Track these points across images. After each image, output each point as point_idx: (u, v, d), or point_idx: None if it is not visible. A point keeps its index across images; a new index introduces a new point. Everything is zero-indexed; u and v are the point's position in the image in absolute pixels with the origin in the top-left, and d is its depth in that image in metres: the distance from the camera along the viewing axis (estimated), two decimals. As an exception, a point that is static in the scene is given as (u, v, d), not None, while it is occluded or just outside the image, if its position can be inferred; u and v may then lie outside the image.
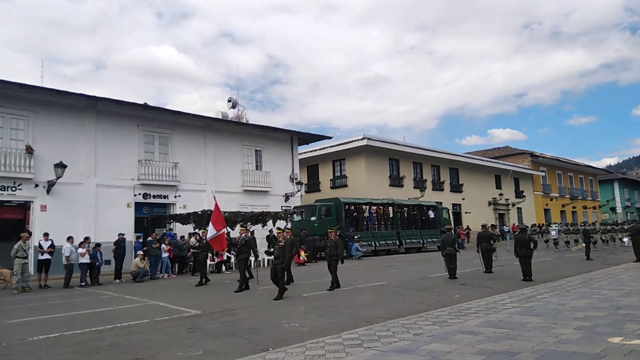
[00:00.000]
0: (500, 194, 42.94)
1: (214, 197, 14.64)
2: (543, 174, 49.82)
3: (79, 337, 7.08)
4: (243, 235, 12.92)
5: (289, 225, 24.06)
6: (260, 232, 21.06)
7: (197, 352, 5.91)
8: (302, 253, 20.85)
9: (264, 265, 20.49)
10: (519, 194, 45.92)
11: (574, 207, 53.78)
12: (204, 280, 14.22)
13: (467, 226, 35.21)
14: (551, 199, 50.65)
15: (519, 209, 46.14)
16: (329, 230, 12.92)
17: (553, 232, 27.41)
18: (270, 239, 23.08)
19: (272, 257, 11.63)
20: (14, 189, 17.79)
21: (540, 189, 49.65)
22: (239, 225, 16.84)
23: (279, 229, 12.37)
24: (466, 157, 41.66)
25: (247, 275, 13.00)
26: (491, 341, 5.56)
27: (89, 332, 7.36)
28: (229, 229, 19.78)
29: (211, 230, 13.31)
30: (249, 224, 19.93)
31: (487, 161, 43.45)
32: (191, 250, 18.11)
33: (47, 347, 6.44)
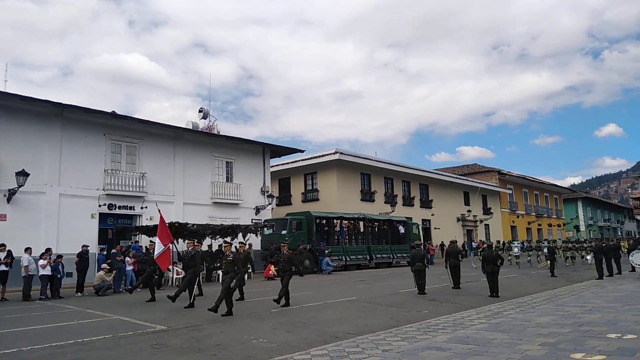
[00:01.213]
0: (469, 211, 43.76)
1: (159, 210, 14.03)
2: (510, 191, 51.10)
3: (38, 352, 6.78)
4: (190, 249, 12.57)
5: (259, 239, 23.88)
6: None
7: (162, 369, 5.74)
8: (272, 267, 20.63)
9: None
10: (486, 211, 46.91)
11: (539, 225, 55.25)
12: (154, 296, 13.33)
13: (442, 242, 35.49)
14: (517, 216, 51.93)
15: (487, 226, 47.10)
16: (282, 244, 12.64)
17: (515, 249, 27.99)
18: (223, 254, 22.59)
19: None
20: (-28, 197, 17.08)
21: (507, 206, 50.86)
22: (185, 239, 16.50)
23: (225, 242, 11.98)
24: (436, 173, 42.39)
25: (197, 291, 12.66)
26: (459, 357, 5.61)
27: (49, 348, 7.06)
28: (195, 243, 19.47)
29: (158, 246, 12.45)
30: (229, 238, 19.63)
31: (456, 178, 44.30)
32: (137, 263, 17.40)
33: (2, 364, 6.14)
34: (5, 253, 14.58)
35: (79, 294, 15.57)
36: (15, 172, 17.16)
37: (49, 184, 19.00)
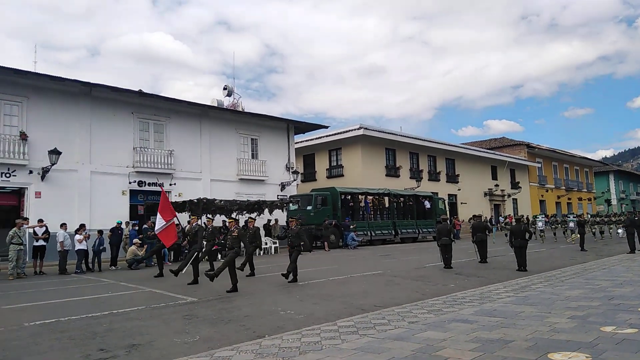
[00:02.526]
0: (496, 185, 43.09)
1: (160, 186, 14.18)
2: (539, 165, 49.99)
3: (75, 322, 7.09)
4: (194, 224, 12.55)
5: (285, 214, 24.13)
6: (257, 221, 21.16)
7: (194, 339, 5.93)
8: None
9: (270, 253, 20.66)
10: (514, 185, 46.11)
11: (569, 199, 54.06)
12: (161, 271, 13.35)
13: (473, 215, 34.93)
14: (547, 190, 50.87)
15: (515, 200, 46.35)
16: (290, 220, 12.46)
17: (540, 224, 27.48)
18: (267, 228, 23.11)
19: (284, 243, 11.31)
20: (8, 175, 17.70)
21: (536, 180, 49.84)
22: (188, 214, 16.54)
23: (230, 218, 11.94)
24: (463, 147, 41.71)
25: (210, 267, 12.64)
26: (485, 329, 5.61)
27: (85, 318, 7.37)
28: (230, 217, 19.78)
29: (159, 222, 12.45)
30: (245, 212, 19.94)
31: (484, 152, 43.53)
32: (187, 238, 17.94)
33: (44, 333, 6.44)
34: (43, 229, 15.16)
35: (113, 267, 16.13)
36: (48, 151, 17.66)
37: (80, 161, 19.51)
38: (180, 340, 5.86)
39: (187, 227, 13.70)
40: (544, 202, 50.23)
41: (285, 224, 24.64)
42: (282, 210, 23.14)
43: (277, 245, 21.76)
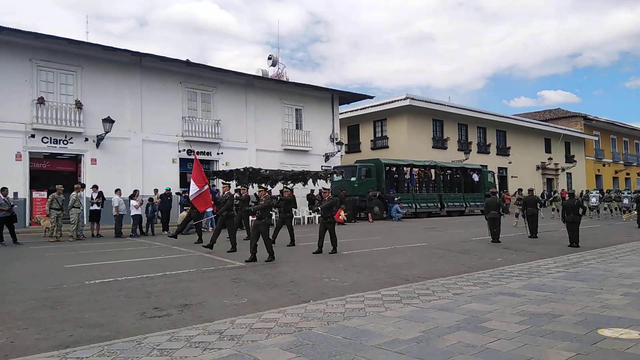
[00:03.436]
0: (550, 159, 41.45)
1: (193, 152, 14.17)
2: (596, 138, 47.59)
3: (131, 282, 7.50)
4: (225, 192, 12.59)
5: (328, 185, 24.24)
6: (300, 191, 21.38)
7: (242, 301, 6.15)
8: (342, 213, 20.99)
9: (304, 223, 20.91)
10: (569, 159, 44.19)
11: (627, 174, 51.36)
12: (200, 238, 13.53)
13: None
14: (603, 165, 48.50)
15: (569, 174, 44.52)
16: (323, 190, 12.12)
17: (593, 199, 26.28)
18: (310, 198, 23.30)
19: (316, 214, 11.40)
20: (65, 142, 18.62)
21: (593, 154, 47.55)
22: (221, 182, 16.55)
23: (260, 187, 11.76)
24: (515, 119, 40.20)
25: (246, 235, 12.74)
26: (533, 303, 5.50)
27: (141, 279, 7.77)
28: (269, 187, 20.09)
29: (193, 188, 12.67)
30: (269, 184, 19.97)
31: (537, 124, 41.77)
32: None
33: (103, 290, 6.85)
34: (97, 194, 15.94)
35: (165, 232, 16.83)
36: (102, 119, 18.39)
37: (132, 130, 20.23)
38: (229, 302, 6.09)
39: (217, 196, 13.85)
40: (600, 177, 47.95)
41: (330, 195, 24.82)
42: (326, 181, 23.25)
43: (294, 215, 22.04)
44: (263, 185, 17.87)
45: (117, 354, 3.90)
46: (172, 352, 3.93)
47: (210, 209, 18.01)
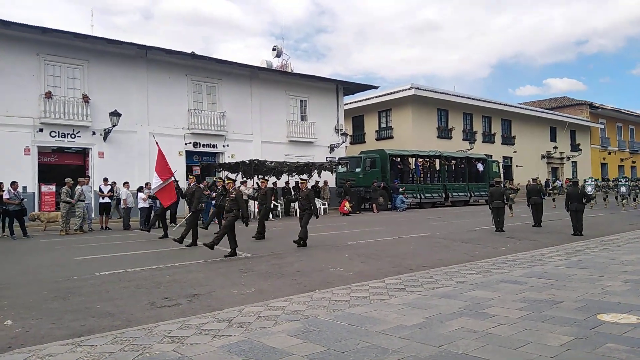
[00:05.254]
0: (555, 147, 41.31)
1: (157, 143, 13.01)
2: (602, 126, 47.30)
3: (140, 273, 7.66)
4: (192, 184, 12.28)
5: (334, 176, 24.33)
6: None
7: (250, 290, 6.30)
8: (347, 204, 21.12)
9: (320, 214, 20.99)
10: (574, 147, 44.01)
11: (633, 162, 51.09)
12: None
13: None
14: (609, 153, 48.26)
15: (574, 163, 44.37)
16: (301, 181, 11.75)
17: (588, 188, 26.15)
18: (285, 190, 22.67)
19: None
20: (73, 136, 18.81)
21: (598, 142, 47.31)
22: (218, 178, 16.60)
23: (228, 178, 11.60)
24: (520, 107, 40.04)
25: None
26: (535, 290, 5.61)
27: (150, 270, 7.94)
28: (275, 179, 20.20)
29: (156, 181, 12.22)
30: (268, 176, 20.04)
31: (543, 112, 41.60)
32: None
33: (113, 281, 7.02)
34: (109, 187, 16.12)
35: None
36: (109, 113, 18.55)
37: (139, 123, 20.39)
38: (237, 291, 6.24)
39: (185, 188, 13.41)
40: (605, 166, 47.75)
41: (335, 186, 24.92)
42: (331, 172, 23.36)
43: (327, 206, 22.11)
44: (231, 176, 17.73)
45: (130, 341, 4.05)
46: (183, 339, 4.08)
47: (214, 202, 18.22)
